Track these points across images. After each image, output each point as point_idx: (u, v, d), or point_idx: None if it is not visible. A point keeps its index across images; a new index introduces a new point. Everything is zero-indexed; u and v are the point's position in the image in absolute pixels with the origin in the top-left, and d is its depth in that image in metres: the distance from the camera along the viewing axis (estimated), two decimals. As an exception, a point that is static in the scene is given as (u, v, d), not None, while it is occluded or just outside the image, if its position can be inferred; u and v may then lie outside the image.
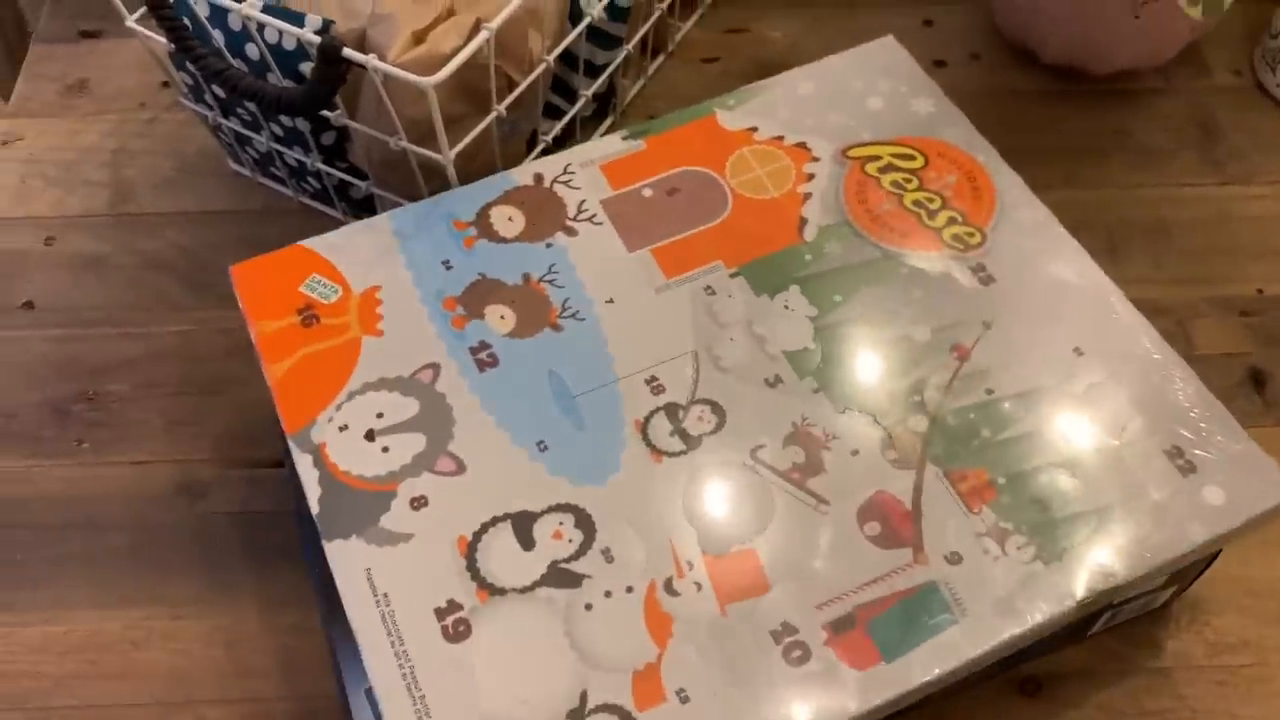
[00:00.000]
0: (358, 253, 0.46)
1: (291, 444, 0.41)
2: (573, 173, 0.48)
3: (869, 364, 0.42)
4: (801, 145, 0.48)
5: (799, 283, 0.44)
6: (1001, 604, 0.37)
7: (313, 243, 0.46)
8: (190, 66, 0.51)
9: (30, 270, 0.58)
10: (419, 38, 0.45)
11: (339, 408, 0.42)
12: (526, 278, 0.45)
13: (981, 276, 0.44)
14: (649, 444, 0.41)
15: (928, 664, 0.36)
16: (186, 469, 0.51)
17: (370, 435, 0.41)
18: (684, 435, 0.41)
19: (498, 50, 0.45)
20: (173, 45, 0.47)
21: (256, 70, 0.48)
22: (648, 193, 0.47)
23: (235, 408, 0.53)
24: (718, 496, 0.39)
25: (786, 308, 0.43)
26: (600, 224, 0.46)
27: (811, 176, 0.47)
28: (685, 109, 0.50)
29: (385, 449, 0.41)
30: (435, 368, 0.43)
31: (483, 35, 0.44)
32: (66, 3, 0.69)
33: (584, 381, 0.42)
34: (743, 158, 0.48)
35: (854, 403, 0.41)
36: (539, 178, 0.48)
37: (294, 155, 0.53)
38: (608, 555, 0.38)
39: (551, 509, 0.39)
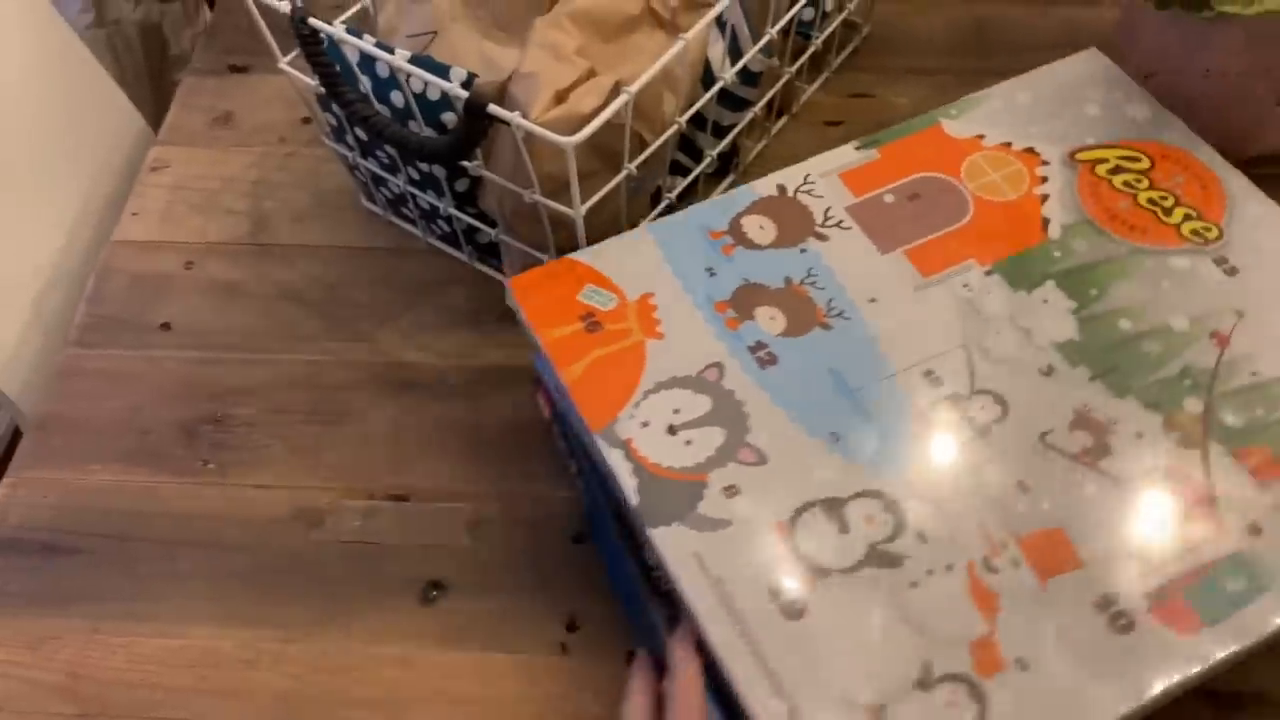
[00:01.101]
0: (625, 263, 0.47)
1: (599, 440, 0.42)
2: (813, 182, 0.50)
3: (1136, 352, 0.45)
4: (1029, 150, 0.51)
5: (1053, 278, 0.47)
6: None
7: (580, 255, 0.48)
8: (336, 109, 0.51)
9: (170, 293, 0.58)
10: (560, 97, 0.46)
11: (637, 405, 0.43)
12: (788, 281, 0.47)
13: (1226, 268, 0.47)
14: (939, 433, 0.42)
15: (1251, 627, 0.38)
16: (306, 496, 0.51)
17: (672, 430, 0.42)
18: (972, 424, 0.42)
19: (634, 112, 0.46)
20: (322, 88, 0.48)
21: (399, 117, 0.49)
22: (889, 199, 0.49)
23: (356, 439, 0.53)
24: (1016, 480, 0.41)
25: (1045, 302, 0.46)
26: (848, 229, 0.48)
27: (1045, 179, 0.50)
28: (910, 119, 0.53)
29: (688, 442, 0.42)
30: (719, 366, 0.44)
31: (622, 98, 0.44)
32: (218, 38, 0.70)
33: (862, 376, 0.44)
34: (975, 163, 0.51)
35: (1129, 389, 0.43)
36: (781, 188, 0.50)
37: (427, 198, 0.54)
38: (921, 537, 0.40)
39: (858, 495, 0.41)
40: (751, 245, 0.48)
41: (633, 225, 0.53)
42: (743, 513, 0.40)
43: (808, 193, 0.50)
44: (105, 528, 0.50)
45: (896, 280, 0.47)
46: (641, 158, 0.49)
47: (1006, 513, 0.40)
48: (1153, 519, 0.40)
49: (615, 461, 0.41)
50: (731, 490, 0.40)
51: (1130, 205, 0.49)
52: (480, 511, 0.50)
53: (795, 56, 0.60)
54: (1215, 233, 0.49)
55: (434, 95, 0.47)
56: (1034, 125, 0.52)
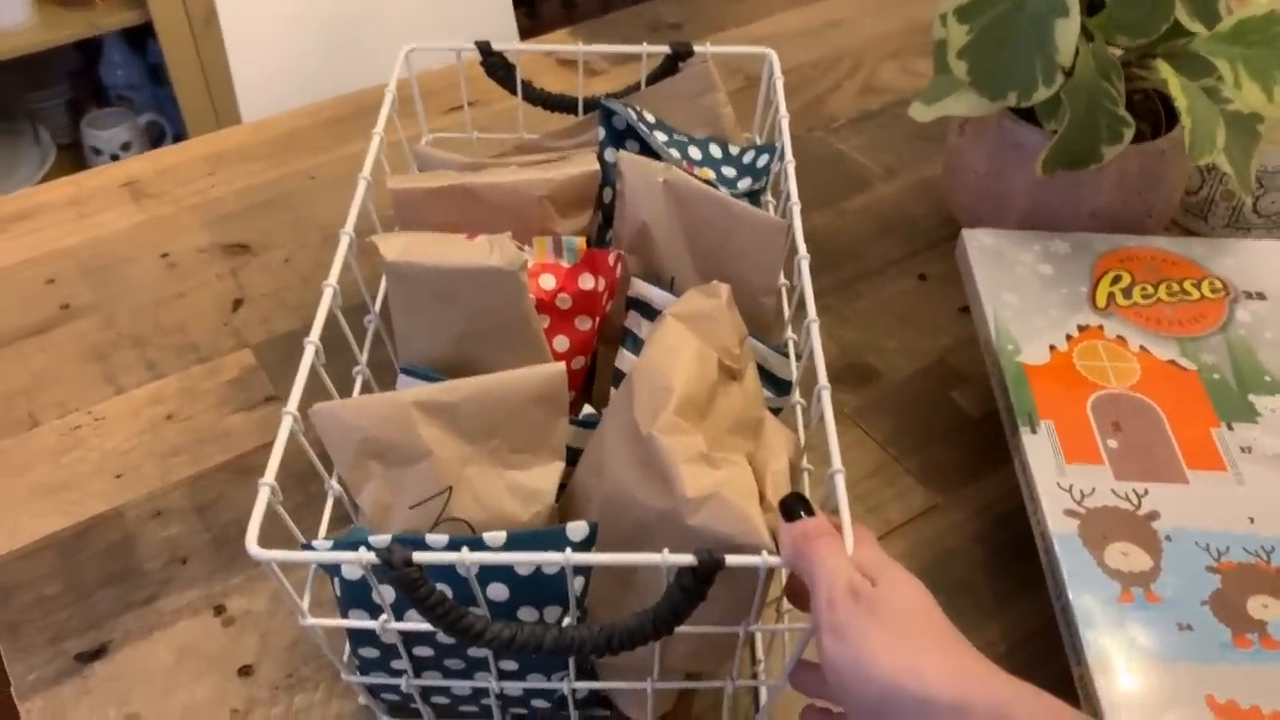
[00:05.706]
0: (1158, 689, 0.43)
1: None
2: (1071, 486, 0.50)
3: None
4: (1085, 328, 0.55)
5: (1244, 391, 0.50)
6: None
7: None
8: (386, 638, 0.44)
9: None
10: (763, 502, 0.42)
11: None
12: (1213, 568, 0.46)
13: (1257, 296, 0.53)
14: None
15: None
16: None
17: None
18: None
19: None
20: (432, 625, 0.40)
21: (501, 612, 0.42)
22: (1113, 444, 0.50)
23: None
24: None
25: (1274, 411, 0.49)
26: (1145, 493, 0.49)
27: (1122, 337, 0.53)
28: (990, 391, 0.54)
29: None
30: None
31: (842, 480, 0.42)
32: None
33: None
34: (1090, 369, 0.53)
35: None
36: (1071, 512, 0.49)
37: (520, 685, 0.46)
38: None
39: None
40: (1147, 576, 0.46)
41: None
42: None
43: (1081, 496, 0.49)
44: None
45: (1228, 490, 0.47)
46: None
47: None
48: None
49: None
50: None
51: (1169, 308, 0.54)
52: None
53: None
54: (1219, 283, 0.54)
55: (551, 569, 0.40)
56: (1051, 309, 0.55)
